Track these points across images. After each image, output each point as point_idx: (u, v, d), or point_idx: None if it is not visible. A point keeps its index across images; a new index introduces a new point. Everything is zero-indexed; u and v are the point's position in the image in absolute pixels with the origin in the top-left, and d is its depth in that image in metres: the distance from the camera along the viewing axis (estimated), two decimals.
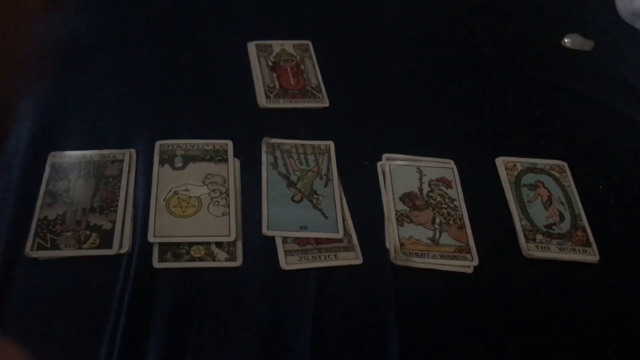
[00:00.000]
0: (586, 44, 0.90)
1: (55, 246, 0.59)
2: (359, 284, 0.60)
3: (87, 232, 0.60)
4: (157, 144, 0.68)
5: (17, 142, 0.68)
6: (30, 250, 0.58)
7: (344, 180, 0.69)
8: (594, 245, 0.65)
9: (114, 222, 0.61)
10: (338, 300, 0.59)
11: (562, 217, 0.68)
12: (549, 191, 0.70)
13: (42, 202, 0.62)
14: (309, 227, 0.64)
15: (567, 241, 0.66)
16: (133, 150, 0.68)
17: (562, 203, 0.69)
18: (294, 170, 0.69)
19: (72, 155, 0.67)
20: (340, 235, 0.63)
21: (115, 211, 0.62)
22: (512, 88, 0.82)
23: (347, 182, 0.69)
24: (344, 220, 0.65)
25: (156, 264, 0.59)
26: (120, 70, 0.77)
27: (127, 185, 0.65)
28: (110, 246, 0.59)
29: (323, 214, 0.65)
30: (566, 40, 0.90)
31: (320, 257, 0.61)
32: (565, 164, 0.73)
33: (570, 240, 0.66)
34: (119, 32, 0.82)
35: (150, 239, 0.60)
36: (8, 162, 0.66)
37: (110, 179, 0.65)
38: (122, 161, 0.66)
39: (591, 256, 0.65)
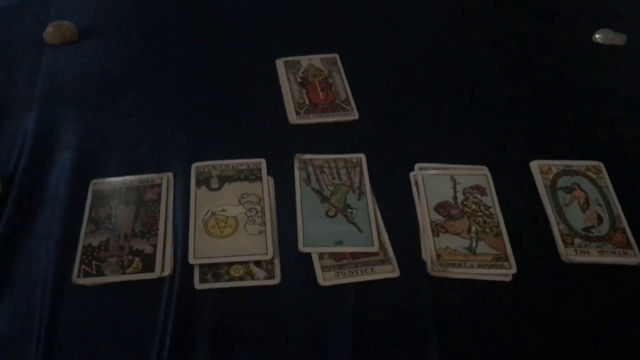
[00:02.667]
0: (618, 39, 0.89)
1: (100, 272, 0.61)
2: (396, 297, 0.61)
3: (130, 257, 0.62)
4: (193, 166, 0.70)
5: (60, 172, 0.70)
6: (77, 278, 0.61)
7: (377, 192, 0.69)
8: (635, 247, 0.65)
9: (155, 246, 0.63)
10: (377, 314, 0.60)
11: (600, 220, 0.67)
12: (585, 193, 0.69)
13: (85, 230, 0.64)
14: (344, 241, 0.64)
15: (606, 244, 0.65)
16: (170, 174, 0.70)
17: (599, 205, 0.68)
18: (326, 185, 0.70)
19: (112, 182, 0.69)
20: (375, 248, 0.64)
21: (156, 235, 0.64)
22: (543, 89, 0.82)
23: (380, 194, 0.69)
24: (378, 233, 0.65)
25: (197, 285, 0.61)
26: (154, 96, 0.79)
27: (167, 208, 0.66)
28: (152, 270, 0.61)
29: (358, 227, 0.66)
30: (597, 36, 0.89)
31: (357, 272, 0.62)
32: (601, 164, 0.72)
33: (610, 243, 0.65)
34: (151, 59, 0.84)
35: (191, 260, 0.62)
36: (52, 192, 0.68)
37: (150, 204, 0.67)
38: (160, 185, 0.68)
39: (632, 258, 0.64)
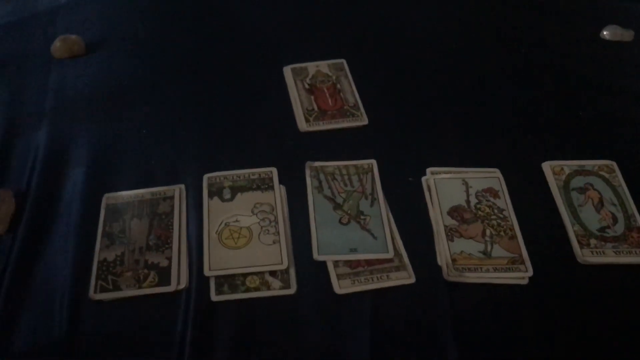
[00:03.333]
0: (626, 35, 0.88)
1: (116, 287, 0.61)
2: (413, 303, 0.61)
3: (146, 271, 0.62)
4: (205, 177, 0.70)
5: (73, 186, 0.70)
6: (94, 293, 0.61)
7: (389, 198, 0.69)
8: None
9: (170, 259, 0.63)
10: (394, 321, 0.60)
11: (615, 219, 0.67)
12: (599, 193, 0.69)
13: (100, 245, 0.65)
14: (359, 249, 0.64)
15: (622, 244, 0.65)
16: (182, 186, 0.70)
17: (614, 204, 0.68)
18: (339, 192, 0.70)
19: (125, 195, 0.69)
20: (390, 255, 0.64)
21: (171, 248, 0.64)
22: (552, 88, 0.81)
23: (393, 199, 0.69)
24: (393, 239, 0.65)
25: (214, 297, 0.61)
26: (163, 108, 0.79)
27: (180, 220, 0.66)
28: (168, 283, 0.61)
29: (372, 234, 0.66)
30: (605, 33, 0.89)
31: (372, 279, 0.62)
32: (614, 163, 0.72)
33: (625, 243, 0.65)
34: (159, 70, 0.84)
35: (206, 272, 0.62)
36: (66, 207, 0.68)
37: (163, 216, 0.67)
38: (172, 197, 0.68)
39: None
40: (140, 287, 0.61)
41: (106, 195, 0.69)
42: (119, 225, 0.66)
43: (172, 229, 0.66)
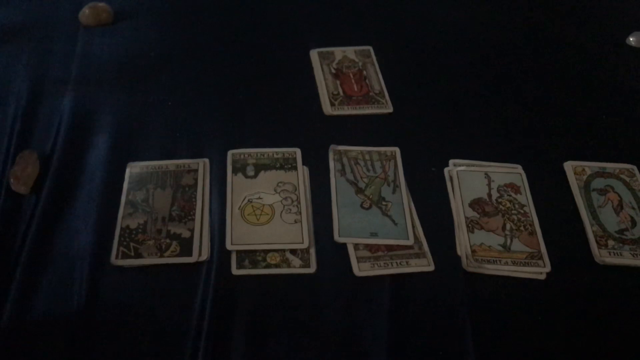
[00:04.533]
0: None
1: (138, 255, 0.62)
2: (432, 291, 0.61)
3: (168, 241, 0.63)
4: (229, 153, 0.71)
5: (97, 153, 0.70)
6: (116, 259, 0.61)
7: (411, 186, 0.69)
8: None
9: (192, 230, 0.63)
10: (412, 307, 0.60)
11: (633, 223, 0.67)
12: (619, 196, 0.69)
13: (123, 212, 0.65)
14: (379, 233, 0.65)
15: (639, 247, 0.65)
16: (206, 160, 0.70)
17: (633, 208, 0.69)
18: (361, 177, 0.70)
19: (149, 165, 0.69)
20: (410, 242, 0.64)
21: (193, 219, 0.64)
22: (578, 91, 0.82)
23: (415, 188, 0.69)
24: (413, 227, 0.66)
25: (235, 270, 0.61)
26: (189, 81, 0.80)
27: (203, 193, 0.67)
28: (190, 254, 0.62)
29: (392, 220, 0.66)
30: (631, 39, 0.89)
31: (392, 264, 0.63)
32: (634, 167, 0.72)
33: None
34: (186, 43, 0.85)
35: (228, 246, 0.63)
36: (90, 173, 0.69)
37: (187, 188, 0.67)
38: (196, 170, 0.68)
39: None
40: (161, 256, 0.62)
41: (130, 163, 0.69)
42: (142, 194, 0.67)
43: (195, 201, 0.66)
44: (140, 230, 0.64)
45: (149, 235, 0.63)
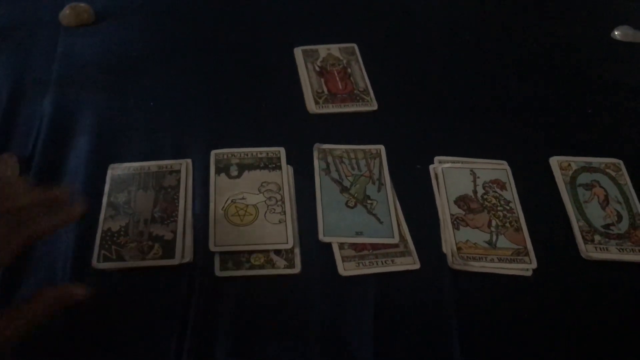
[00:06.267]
0: (637, 36, 0.88)
1: (120, 257, 0.61)
2: (417, 289, 0.61)
3: (150, 243, 0.62)
4: (213, 153, 0.70)
5: (78, 155, 0.69)
6: (97, 262, 0.60)
7: (396, 184, 0.69)
8: None
9: (175, 232, 0.63)
10: (398, 306, 0.60)
11: (619, 217, 0.67)
12: (605, 190, 0.69)
13: (105, 215, 0.64)
14: (365, 232, 0.64)
15: (626, 241, 0.65)
16: (189, 160, 0.69)
17: (619, 202, 0.68)
18: (346, 176, 0.69)
19: (131, 167, 0.68)
20: (396, 240, 0.64)
21: (176, 221, 0.64)
22: (563, 85, 0.81)
23: (400, 186, 0.69)
24: (399, 225, 0.65)
25: (218, 272, 0.61)
26: (172, 81, 0.79)
27: (186, 195, 0.66)
28: (172, 256, 0.61)
29: (378, 219, 0.66)
30: (617, 33, 0.89)
31: (377, 263, 0.62)
32: (620, 161, 0.72)
33: (629, 241, 0.65)
34: (169, 43, 0.84)
35: (212, 248, 0.62)
36: (71, 175, 0.68)
37: (169, 190, 0.66)
38: (179, 172, 0.68)
39: None
40: (144, 259, 0.61)
41: (111, 165, 0.68)
42: (124, 196, 0.66)
43: (178, 202, 0.65)
44: (122, 232, 0.63)
45: (130, 238, 0.62)
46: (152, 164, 0.69)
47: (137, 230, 0.63)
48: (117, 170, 0.68)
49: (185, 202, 0.66)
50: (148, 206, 0.65)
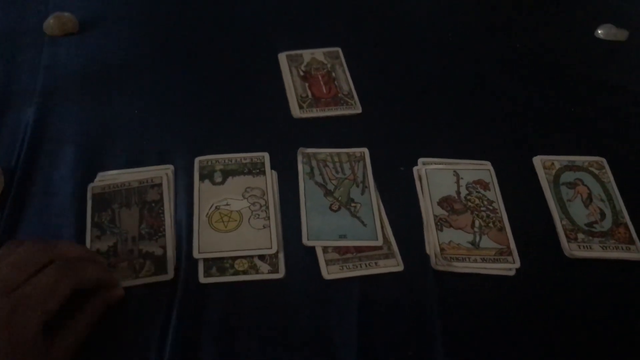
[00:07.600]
0: (620, 34, 0.89)
1: None
2: (401, 291, 0.61)
3: (141, 260, 0.61)
4: (197, 160, 0.70)
5: (63, 165, 0.69)
6: None
7: (380, 186, 0.69)
8: (638, 242, 0.65)
9: (164, 247, 0.62)
10: (382, 308, 0.60)
11: (603, 215, 0.67)
12: (588, 189, 0.69)
13: (91, 236, 0.63)
14: (348, 235, 0.65)
15: (609, 239, 0.65)
16: (169, 170, 0.68)
17: (602, 200, 0.69)
18: (330, 180, 0.70)
19: (111, 184, 0.67)
20: (379, 242, 0.64)
21: (164, 236, 0.63)
22: (546, 84, 0.82)
23: (384, 188, 0.69)
24: (382, 227, 0.65)
25: (202, 279, 0.61)
26: (156, 88, 0.79)
27: (171, 208, 0.65)
28: (165, 271, 0.60)
29: (361, 221, 0.66)
30: (599, 32, 0.89)
31: (361, 266, 0.62)
32: (603, 159, 0.72)
33: (612, 238, 0.65)
34: (153, 50, 0.84)
35: (195, 255, 0.62)
36: (56, 186, 0.67)
37: (153, 204, 0.66)
38: (161, 185, 0.67)
39: (635, 253, 0.64)
40: (137, 277, 0.60)
41: (91, 185, 0.67)
42: (107, 214, 0.65)
43: (164, 217, 0.65)
44: (111, 253, 0.62)
45: (121, 257, 0.62)
46: (132, 180, 0.67)
47: (127, 249, 0.62)
48: (97, 190, 0.67)
49: (172, 216, 0.65)
50: (134, 223, 0.64)
